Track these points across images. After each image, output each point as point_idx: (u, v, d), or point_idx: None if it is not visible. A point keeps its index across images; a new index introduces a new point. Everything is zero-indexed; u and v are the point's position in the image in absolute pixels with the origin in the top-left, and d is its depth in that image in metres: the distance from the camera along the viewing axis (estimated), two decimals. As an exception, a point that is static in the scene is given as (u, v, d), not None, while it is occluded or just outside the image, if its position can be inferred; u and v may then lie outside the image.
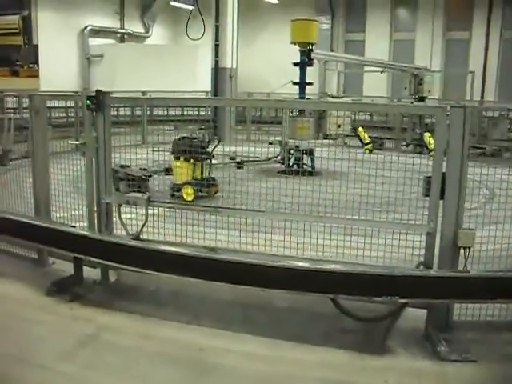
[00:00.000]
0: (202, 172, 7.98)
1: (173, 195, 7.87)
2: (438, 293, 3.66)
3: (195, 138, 8.08)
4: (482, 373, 3.47)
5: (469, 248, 3.77)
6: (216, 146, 8.29)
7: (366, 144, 14.18)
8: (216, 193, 7.85)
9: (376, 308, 3.79)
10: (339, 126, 10.08)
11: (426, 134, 13.93)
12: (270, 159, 10.89)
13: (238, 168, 9.62)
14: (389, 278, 3.66)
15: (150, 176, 7.76)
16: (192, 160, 7.85)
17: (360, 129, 14.46)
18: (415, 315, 3.93)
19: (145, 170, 7.49)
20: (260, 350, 3.73)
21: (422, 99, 14.11)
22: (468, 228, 3.82)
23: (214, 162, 8.44)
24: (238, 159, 10.14)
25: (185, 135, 8.18)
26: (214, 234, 4.62)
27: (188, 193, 7.76)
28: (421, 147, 14.09)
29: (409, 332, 3.91)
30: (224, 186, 5.06)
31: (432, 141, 13.47)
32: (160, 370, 3.48)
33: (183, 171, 7.81)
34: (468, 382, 3.44)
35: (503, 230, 4.16)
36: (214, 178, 7.95)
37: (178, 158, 7.96)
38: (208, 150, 8.11)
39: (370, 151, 13.65)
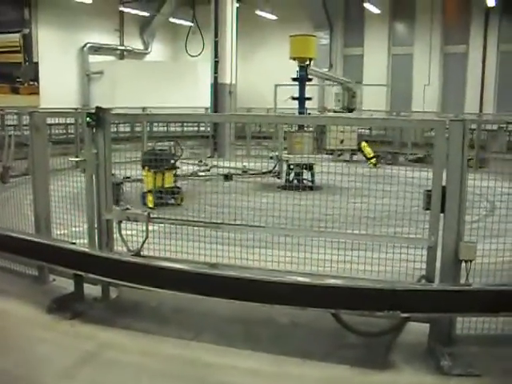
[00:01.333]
0: (163, 181, 8.55)
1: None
2: (441, 306, 3.64)
3: (162, 150, 8.93)
4: (486, 387, 3.45)
5: (470, 261, 3.77)
6: (178, 158, 9.02)
7: None
8: (182, 201, 8.35)
9: (378, 323, 3.77)
10: (342, 142, 10.04)
11: (363, 144, 14.18)
12: (264, 173, 10.96)
13: (226, 181, 9.95)
14: (390, 292, 3.65)
15: (121, 183, 8.00)
16: (152, 170, 8.43)
17: None
18: (418, 329, 3.91)
19: (128, 178, 7.76)
20: (263, 366, 3.70)
21: (350, 111, 14.74)
22: (469, 241, 3.82)
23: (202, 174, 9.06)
24: (231, 171, 10.40)
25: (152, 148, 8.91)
26: (214, 249, 4.61)
27: (149, 200, 8.38)
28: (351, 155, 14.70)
29: (411, 346, 3.89)
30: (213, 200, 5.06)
31: (369, 149, 13.64)
32: (162, 388, 3.46)
33: (148, 180, 8.55)
34: (472, 397, 3.42)
35: (505, 243, 4.16)
36: (178, 187, 8.69)
37: (144, 168, 8.63)
38: (172, 161, 8.86)
39: None
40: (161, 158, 8.55)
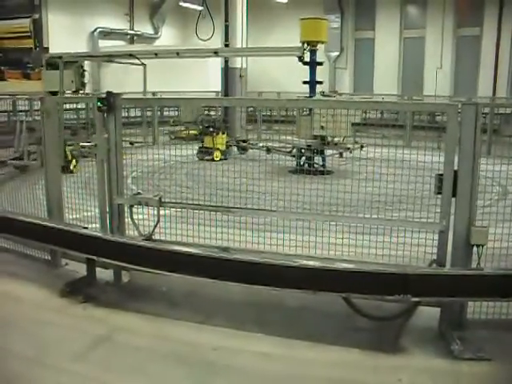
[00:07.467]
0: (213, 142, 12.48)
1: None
2: (452, 291, 3.63)
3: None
4: (496, 371, 3.44)
5: (482, 246, 3.75)
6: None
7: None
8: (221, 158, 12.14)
9: (389, 307, 3.77)
10: (322, 127, 9.74)
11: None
12: (289, 152, 11.53)
13: (268, 153, 11.39)
14: (401, 276, 3.64)
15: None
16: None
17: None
18: (428, 314, 3.91)
19: None
20: (273, 349, 3.72)
21: (77, 91, 13.73)
22: (481, 225, 3.80)
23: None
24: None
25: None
26: (226, 233, 4.62)
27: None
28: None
29: (422, 330, 3.89)
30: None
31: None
32: (173, 371, 3.49)
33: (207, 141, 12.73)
34: (482, 381, 3.42)
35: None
36: (211, 148, 12.22)
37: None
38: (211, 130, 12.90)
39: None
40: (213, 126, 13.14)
